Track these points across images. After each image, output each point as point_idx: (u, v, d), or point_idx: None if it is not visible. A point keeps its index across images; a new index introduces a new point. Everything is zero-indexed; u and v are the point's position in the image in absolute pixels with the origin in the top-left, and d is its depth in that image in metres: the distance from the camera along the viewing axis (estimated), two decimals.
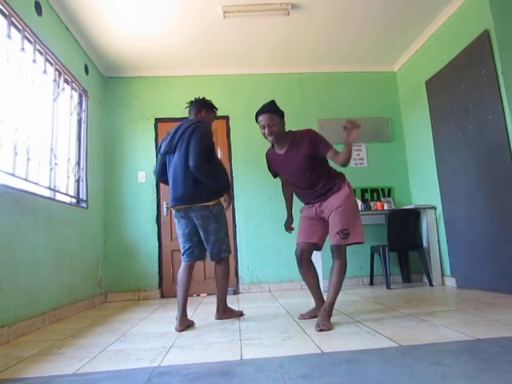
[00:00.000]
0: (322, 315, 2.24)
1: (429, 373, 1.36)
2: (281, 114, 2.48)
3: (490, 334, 1.83)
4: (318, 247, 2.57)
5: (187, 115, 2.84)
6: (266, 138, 2.49)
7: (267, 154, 2.64)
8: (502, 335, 1.79)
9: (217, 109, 2.86)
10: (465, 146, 3.52)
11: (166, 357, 1.76)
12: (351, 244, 2.35)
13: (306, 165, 2.40)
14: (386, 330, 2.04)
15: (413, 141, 4.57)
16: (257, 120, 2.49)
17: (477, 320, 2.16)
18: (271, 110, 2.44)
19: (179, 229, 2.65)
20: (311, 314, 2.52)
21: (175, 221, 2.67)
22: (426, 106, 4.13)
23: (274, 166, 2.60)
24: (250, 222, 4.43)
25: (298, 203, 2.70)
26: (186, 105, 2.82)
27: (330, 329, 2.13)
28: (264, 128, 2.44)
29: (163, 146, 2.68)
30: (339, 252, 2.35)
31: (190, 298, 3.17)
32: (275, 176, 2.69)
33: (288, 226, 2.79)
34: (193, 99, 2.81)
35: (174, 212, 2.63)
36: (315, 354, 1.67)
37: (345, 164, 2.32)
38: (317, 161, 2.42)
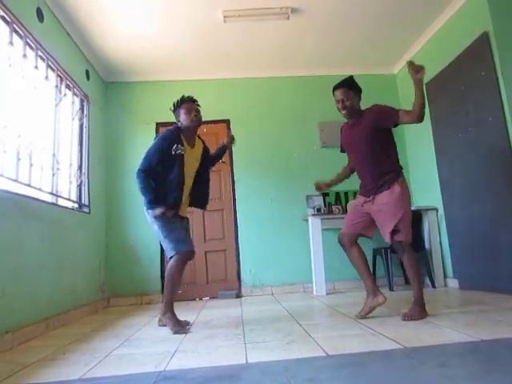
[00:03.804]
0: (413, 307, 2.37)
1: (435, 375, 1.36)
2: (356, 90, 2.56)
3: (494, 335, 1.83)
4: (367, 236, 2.61)
5: None
6: (339, 111, 2.57)
7: (341, 128, 2.75)
8: (506, 336, 1.79)
9: (187, 98, 2.66)
10: (465, 147, 3.53)
11: (171, 361, 1.76)
12: (401, 243, 2.40)
13: (367, 137, 2.46)
14: (390, 331, 2.04)
15: (413, 143, 4.59)
16: (333, 94, 2.59)
17: (480, 321, 2.17)
18: (347, 84, 2.55)
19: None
20: (366, 311, 2.49)
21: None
22: (427, 108, 4.10)
23: (343, 139, 2.70)
24: (252, 225, 4.43)
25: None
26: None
27: (417, 318, 2.28)
28: (338, 102, 2.54)
29: None
30: (399, 248, 2.43)
31: (192, 302, 3.18)
32: (342, 151, 2.77)
33: (320, 186, 2.78)
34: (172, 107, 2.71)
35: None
36: (320, 357, 1.67)
37: (420, 114, 2.29)
38: (378, 140, 2.46)
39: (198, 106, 2.67)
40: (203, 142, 2.79)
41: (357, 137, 2.53)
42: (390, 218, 2.40)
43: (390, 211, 2.40)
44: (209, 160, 2.80)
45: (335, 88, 2.57)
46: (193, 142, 2.65)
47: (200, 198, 2.75)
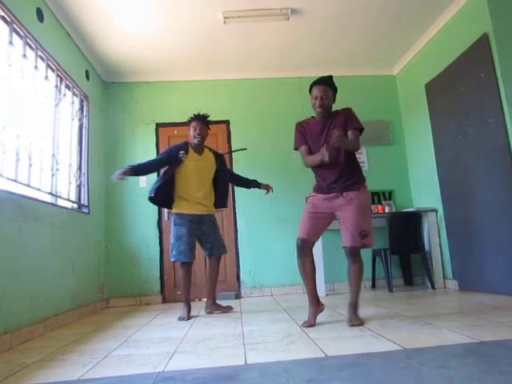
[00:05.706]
0: (352, 311, 2.37)
1: (434, 376, 1.36)
2: (334, 90, 2.50)
3: (494, 336, 1.83)
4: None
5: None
6: (313, 109, 2.48)
7: (301, 123, 2.58)
8: (507, 337, 1.79)
9: (198, 117, 3.13)
10: (465, 148, 3.53)
11: (169, 362, 1.76)
12: (364, 247, 2.42)
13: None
14: (390, 333, 2.03)
15: (413, 144, 4.59)
16: (310, 91, 2.50)
17: (480, 322, 2.16)
18: (327, 82, 2.46)
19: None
20: (315, 315, 2.44)
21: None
22: (426, 109, 4.14)
23: (308, 135, 2.52)
24: (252, 226, 4.43)
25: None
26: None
27: (362, 324, 2.29)
28: (316, 99, 2.43)
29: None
30: (358, 253, 2.42)
31: (192, 303, 3.19)
32: (296, 148, 2.59)
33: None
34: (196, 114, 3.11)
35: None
36: (319, 358, 1.67)
37: (355, 148, 2.42)
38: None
39: (208, 123, 3.10)
40: (216, 154, 3.24)
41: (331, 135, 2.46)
42: None
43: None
44: (231, 176, 3.44)
45: (314, 84, 2.47)
46: (200, 152, 3.12)
47: (217, 199, 3.24)
